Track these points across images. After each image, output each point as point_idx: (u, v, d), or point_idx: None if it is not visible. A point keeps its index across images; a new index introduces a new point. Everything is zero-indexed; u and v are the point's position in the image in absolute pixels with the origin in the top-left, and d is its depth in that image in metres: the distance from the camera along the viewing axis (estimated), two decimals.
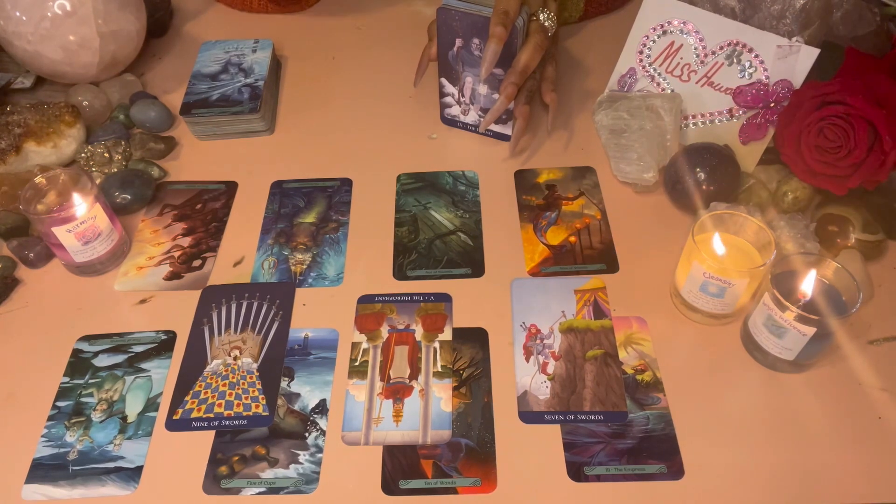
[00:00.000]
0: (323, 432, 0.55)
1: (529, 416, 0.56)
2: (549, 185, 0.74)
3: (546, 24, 0.70)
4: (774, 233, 0.63)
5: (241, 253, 0.69)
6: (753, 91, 0.69)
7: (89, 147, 0.75)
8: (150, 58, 0.90)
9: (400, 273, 0.66)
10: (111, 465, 0.54)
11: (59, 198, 0.64)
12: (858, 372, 0.58)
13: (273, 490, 0.52)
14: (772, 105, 0.68)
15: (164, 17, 0.93)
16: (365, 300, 0.64)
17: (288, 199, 0.73)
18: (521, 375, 0.58)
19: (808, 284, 0.55)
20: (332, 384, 0.58)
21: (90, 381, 0.59)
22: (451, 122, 0.80)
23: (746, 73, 0.69)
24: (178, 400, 0.58)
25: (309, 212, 0.72)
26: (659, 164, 0.71)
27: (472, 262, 0.67)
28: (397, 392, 0.58)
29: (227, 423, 0.56)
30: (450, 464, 0.53)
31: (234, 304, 0.64)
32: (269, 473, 0.53)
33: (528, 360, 0.59)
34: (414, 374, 0.59)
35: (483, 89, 0.74)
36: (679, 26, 0.72)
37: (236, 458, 0.54)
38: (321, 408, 0.57)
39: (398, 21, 0.96)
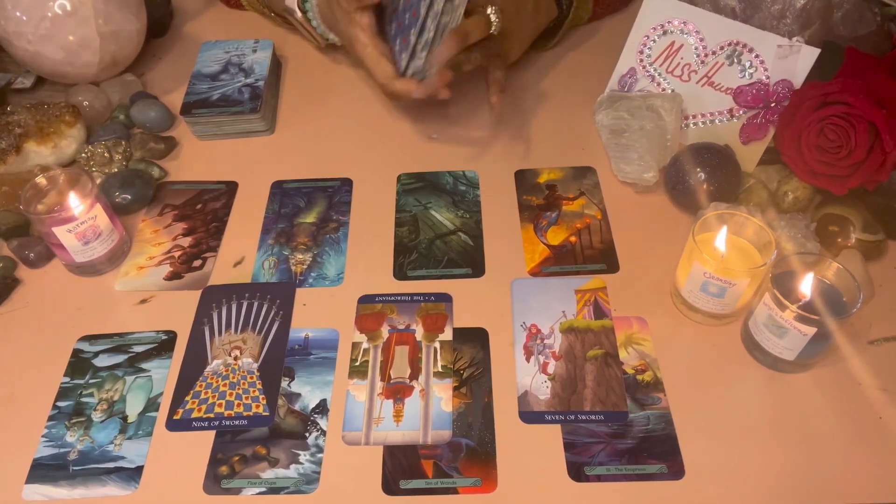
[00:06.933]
0: (323, 432, 0.55)
1: (530, 416, 0.56)
2: (550, 185, 0.74)
3: (492, 18, 0.67)
4: (775, 233, 0.63)
5: (241, 253, 0.69)
6: (754, 91, 0.69)
7: (90, 147, 0.75)
8: (150, 58, 0.90)
9: (400, 273, 0.66)
10: (111, 465, 0.54)
11: (59, 198, 0.64)
12: (859, 372, 0.58)
13: (273, 490, 0.52)
14: (772, 105, 0.68)
15: (165, 17, 0.93)
16: (365, 300, 0.64)
17: (288, 199, 0.73)
18: (521, 375, 0.58)
19: (808, 284, 0.55)
20: (332, 384, 0.58)
21: (90, 381, 0.59)
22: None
23: (747, 73, 0.69)
24: (178, 400, 0.58)
25: (309, 212, 0.72)
26: (659, 164, 0.71)
27: (472, 262, 0.67)
28: (398, 392, 0.58)
29: (228, 423, 0.56)
30: (450, 464, 0.53)
31: (234, 304, 0.64)
32: (269, 473, 0.53)
33: (528, 360, 0.59)
34: (414, 374, 0.59)
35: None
36: (679, 26, 0.72)
37: (237, 458, 0.54)
38: (322, 408, 0.57)
39: None
